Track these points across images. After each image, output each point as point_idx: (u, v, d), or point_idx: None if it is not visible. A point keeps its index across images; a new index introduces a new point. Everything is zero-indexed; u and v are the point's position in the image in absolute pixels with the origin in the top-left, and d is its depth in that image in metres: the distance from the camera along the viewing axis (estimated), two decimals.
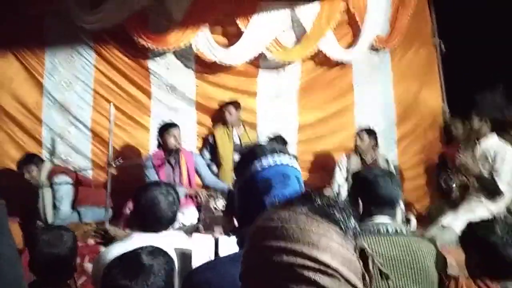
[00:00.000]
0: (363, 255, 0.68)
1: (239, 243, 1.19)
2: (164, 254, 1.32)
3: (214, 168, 4.34)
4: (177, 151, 3.71)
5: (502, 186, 3.17)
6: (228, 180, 3.99)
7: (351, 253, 0.66)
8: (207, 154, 4.41)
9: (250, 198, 1.13)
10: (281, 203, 0.72)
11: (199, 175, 3.89)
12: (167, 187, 2.03)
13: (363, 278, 0.67)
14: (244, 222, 1.17)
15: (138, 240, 1.77)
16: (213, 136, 4.39)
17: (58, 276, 1.86)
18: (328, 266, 0.63)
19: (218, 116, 4.53)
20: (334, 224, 0.67)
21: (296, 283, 0.63)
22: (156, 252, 1.30)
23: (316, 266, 0.63)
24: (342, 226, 0.67)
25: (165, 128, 3.78)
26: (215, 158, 4.39)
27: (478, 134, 3.34)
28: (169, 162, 3.77)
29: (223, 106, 4.43)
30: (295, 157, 1.23)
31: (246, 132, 4.46)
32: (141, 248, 1.32)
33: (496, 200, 3.24)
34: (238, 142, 4.37)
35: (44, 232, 1.89)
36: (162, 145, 3.76)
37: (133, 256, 1.27)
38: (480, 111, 3.35)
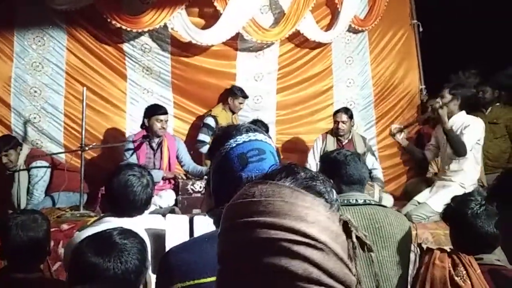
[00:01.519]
0: (346, 227, 0.66)
1: (216, 222, 1.14)
2: (136, 234, 1.30)
3: None
4: (158, 135, 3.64)
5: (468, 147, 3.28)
6: None
7: (337, 226, 0.64)
8: (207, 139, 4.15)
9: (226, 175, 1.09)
10: (259, 177, 0.67)
11: (180, 161, 3.85)
12: (140, 169, 1.97)
13: (349, 251, 0.64)
14: (220, 200, 1.11)
15: (110, 224, 1.73)
16: (215, 121, 4.23)
17: (31, 261, 1.81)
18: (317, 240, 0.60)
19: (220, 100, 4.46)
20: (319, 197, 0.64)
21: (285, 259, 0.60)
22: (128, 232, 1.28)
23: (305, 240, 0.60)
24: (327, 198, 0.65)
25: (154, 112, 3.67)
26: None
27: (449, 111, 3.41)
28: (151, 146, 3.71)
29: (232, 93, 4.33)
30: (270, 138, 1.21)
31: (236, 118, 4.43)
32: (112, 228, 1.30)
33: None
34: None
35: (17, 216, 1.83)
36: (147, 127, 3.69)
37: (104, 235, 1.24)
38: (453, 88, 3.41)
